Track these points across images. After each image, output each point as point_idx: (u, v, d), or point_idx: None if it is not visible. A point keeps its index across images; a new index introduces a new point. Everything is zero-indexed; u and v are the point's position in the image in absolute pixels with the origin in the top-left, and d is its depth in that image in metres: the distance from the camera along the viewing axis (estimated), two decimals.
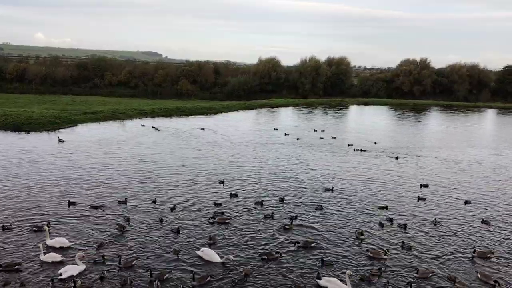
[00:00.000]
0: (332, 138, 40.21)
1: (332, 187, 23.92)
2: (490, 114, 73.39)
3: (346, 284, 13.54)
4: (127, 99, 77.97)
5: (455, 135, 47.05)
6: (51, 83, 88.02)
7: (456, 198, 23.15)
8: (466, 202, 22.25)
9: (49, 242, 15.76)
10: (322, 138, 39.92)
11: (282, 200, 21.53)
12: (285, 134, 41.00)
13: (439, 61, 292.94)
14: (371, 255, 15.80)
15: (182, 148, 33.29)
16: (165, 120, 48.53)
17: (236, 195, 22.04)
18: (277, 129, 43.98)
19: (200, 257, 15.16)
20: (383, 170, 28.97)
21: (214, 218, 18.64)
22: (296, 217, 19.18)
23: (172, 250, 15.65)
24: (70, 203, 19.85)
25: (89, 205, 19.72)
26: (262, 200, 21.21)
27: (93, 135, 37.24)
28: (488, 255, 15.98)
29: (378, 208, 20.95)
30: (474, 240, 17.71)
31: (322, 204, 21.06)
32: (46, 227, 16.44)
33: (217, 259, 14.94)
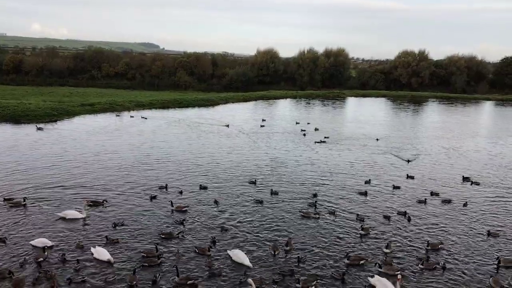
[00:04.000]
0: (315, 129, 39.84)
1: (369, 179, 24.15)
2: (488, 106, 73.41)
3: (395, 286, 13.14)
4: (124, 91, 77.58)
5: (453, 126, 47.08)
6: (48, 74, 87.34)
7: (425, 189, 23.17)
8: (432, 194, 22.36)
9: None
10: (304, 130, 39.18)
11: (315, 195, 21.39)
12: (261, 126, 40.87)
13: (437, 53, 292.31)
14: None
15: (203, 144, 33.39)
16: (163, 112, 48.42)
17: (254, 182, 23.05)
18: (265, 120, 44.05)
19: (230, 258, 14.71)
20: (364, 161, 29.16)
21: (172, 206, 18.84)
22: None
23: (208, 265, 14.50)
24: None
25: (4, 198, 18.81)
26: (277, 191, 21.56)
27: (88, 125, 37.24)
28: (439, 246, 16.24)
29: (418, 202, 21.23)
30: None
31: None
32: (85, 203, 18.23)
33: (247, 262, 14.32)
